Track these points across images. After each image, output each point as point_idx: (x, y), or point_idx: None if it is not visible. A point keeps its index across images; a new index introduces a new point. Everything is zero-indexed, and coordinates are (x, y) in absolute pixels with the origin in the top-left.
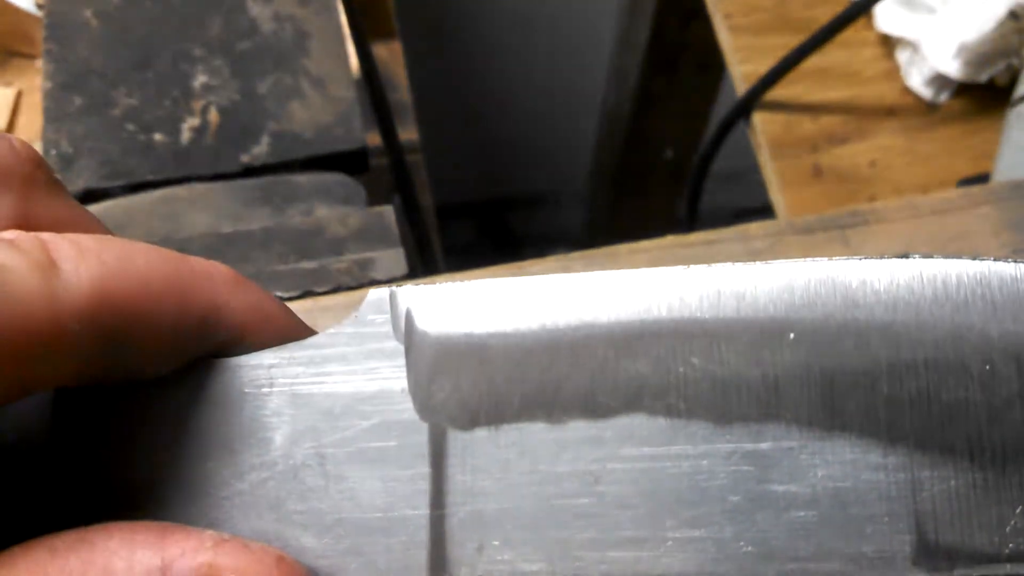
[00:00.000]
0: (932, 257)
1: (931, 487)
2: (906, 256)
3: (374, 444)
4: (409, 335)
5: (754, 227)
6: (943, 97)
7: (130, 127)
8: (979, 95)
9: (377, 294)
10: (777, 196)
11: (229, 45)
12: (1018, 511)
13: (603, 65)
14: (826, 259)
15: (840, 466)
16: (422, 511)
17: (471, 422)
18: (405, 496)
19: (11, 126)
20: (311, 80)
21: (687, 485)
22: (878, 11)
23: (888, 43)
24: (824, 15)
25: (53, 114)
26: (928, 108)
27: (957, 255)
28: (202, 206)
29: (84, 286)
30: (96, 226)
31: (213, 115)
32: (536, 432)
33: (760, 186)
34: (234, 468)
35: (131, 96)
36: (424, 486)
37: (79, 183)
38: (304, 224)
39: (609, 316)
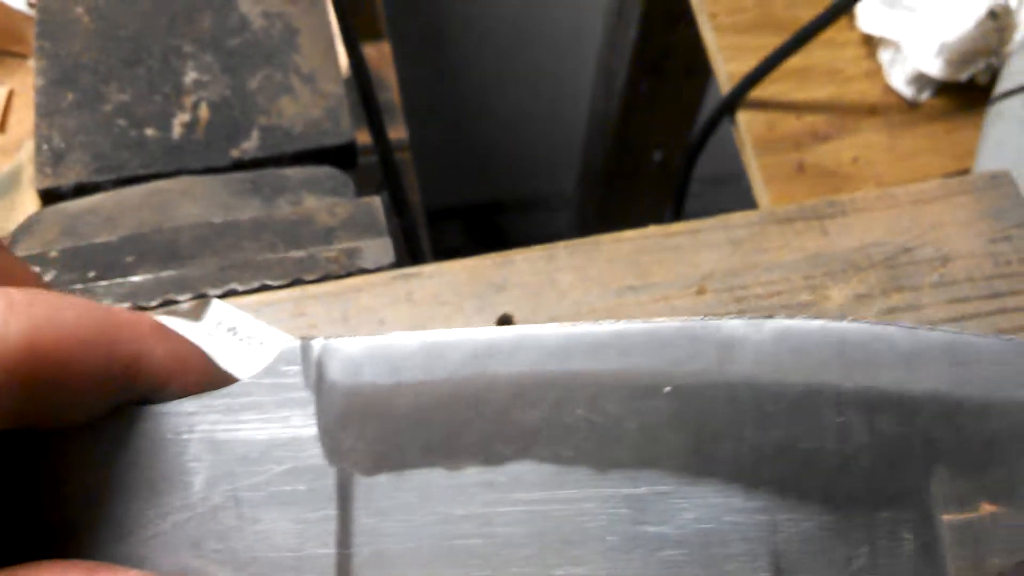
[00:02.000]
0: (795, 318)
1: (787, 529)
2: (771, 317)
3: (286, 488)
4: (319, 385)
5: (735, 217)
6: (924, 96)
7: (121, 122)
8: (960, 94)
9: (290, 346)
10: (761, 193)
11: (219, 41)
12: (863, 550)
13: (591, 67)
14: (700, 318)
15: (707, 509)
16: (330, 550)
17: (376, 468)
18: (314, 536)
19: (2, 125)
20: (301, 76)
21: (570, 527)
22: (860, 11)
23: (870, 43)
24: (807, 15)
25: (45, 109)
26: (910, 107)
27: (815, 316)
28: (192, 197)
29: (13, 339)
30: (31, 278)
31: (203, 110)
32: (436, 477)
33: (749, 190)
34: (157, 509)
35: (122, 92)
36: (332, 527)
37: (70, 177)
38: (293, 214)
39: (506, 369)
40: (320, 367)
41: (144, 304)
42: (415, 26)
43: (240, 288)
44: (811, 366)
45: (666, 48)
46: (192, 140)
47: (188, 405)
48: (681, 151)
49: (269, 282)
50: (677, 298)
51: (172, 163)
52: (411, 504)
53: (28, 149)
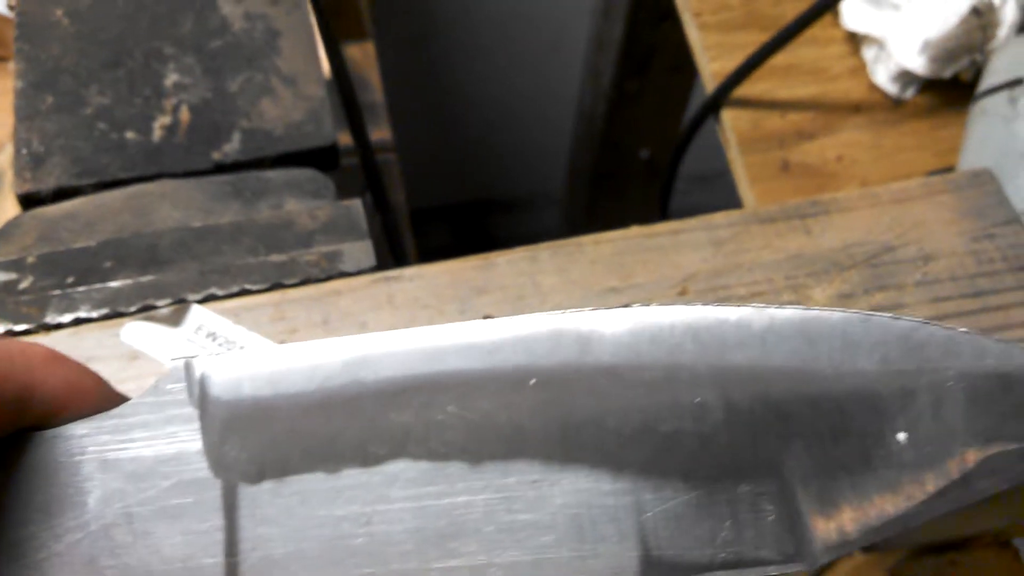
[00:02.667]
0: (650, 304)
1: (654, 508)
2: (628, 306)
3: (174, 501)
4: (202, 402)
5: (718, 217)
6: (909, 93)
7: (102, 125)
8: (944, 91)
9: (174, 365)
10: (746, 191)
11: (200, 43)
12: (727, 524)
13: (577, 66)
14: (561, 311)
15: (576, 494)
16: (218, 559)
17: (258, 476)
18: (203, 547)
19: None
20: (282, 78)
21: (447, 520)
22: (844, 8)
23: (854, 40)
24: (792, 12)
25: (24, 113)
26: (894, 104)
27: (672, 302)
28: (172, 201)
29: None
30: None
31: (184, 113)
32: (316, 481)
33: (735, 186)
34: (52, 531)
35: (103, 95)
36: (219, 536)
37: (50, 181)
38: (273, 218)
39: (376, 374)
40: (203, 384)
41: (123, 310)
42: (401, 26)
43: (220, 293)
44: (667, 351)
45: (652, 46)
46: (173, 143)
47: (79, 428)
48: (668, 149)
49: (249, 286)
50: (660, 299)
51: (153, 166)
52: (293, 509)
53: (8, 153)
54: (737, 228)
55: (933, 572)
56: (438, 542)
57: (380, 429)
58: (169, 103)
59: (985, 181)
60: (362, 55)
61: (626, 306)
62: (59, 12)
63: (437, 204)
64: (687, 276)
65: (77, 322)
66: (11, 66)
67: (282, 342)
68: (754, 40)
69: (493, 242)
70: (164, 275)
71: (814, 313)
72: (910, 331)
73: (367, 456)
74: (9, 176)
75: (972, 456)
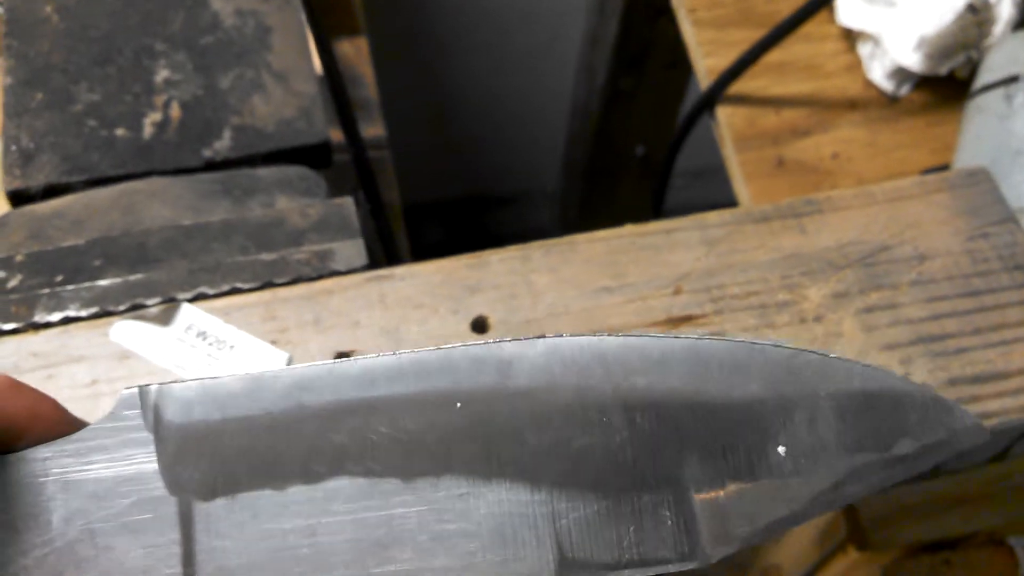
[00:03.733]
0: (562, 336)
1: (568, 516)
2: (543, 336)
3: (134, 518)
4: (156, 426)
5: (712, 216)
6: (904, 90)
7: (91, 122)
8: (940, 88)
9: (129, 392)
10: (741, 188)
11: (191, 40)
12: (631, 530)
13: (572, 62)
14: (482, 341)
15: (498, 505)
16: (176, 570)
17: (211, 494)
18: (162, 559)
19: None
20: (273, 74)
21: (384, 530)
22: (839, 5)
23: (849, 37)
24: (786, 9)
25: (14, 110)
26: (889, 101)
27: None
28: (162, 199)
29: None
30: None
31: (175, 110)
32: (264, 497)
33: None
34: (18, 547)
35: (93, 91)
36: (177, 550)
37: (40, 179)
38: (264, 216)
39: (317, 399)
40: (157, 410)
41: (112, 308)
42: (395, 21)
43: (210, 291)
44: (577, 375)
45: (647, 43)
46: (163, 140)
47: (42, 451)
48: (663, 145)
49: (239, 285)
50: (653, 298)
51: (143, 164)
52: (244, 523)
53: None
54: (731, 227)
55: (928, 570)
56: (376, 551)
57: (321, 449)
58: (160, 100)
59: (980, 179)
60: (355, 51)
61: (541, 336)
62: (48, 9)
63: (432, 200)
64: (680, 275)
65: (66, 321)
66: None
67: (273, 342)
68: (749, 37)
69: (488, 238)
70: (154, 274)
71: (705, 342)
72: (790, 357)
73: (310, 474)
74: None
75: (841, 465)
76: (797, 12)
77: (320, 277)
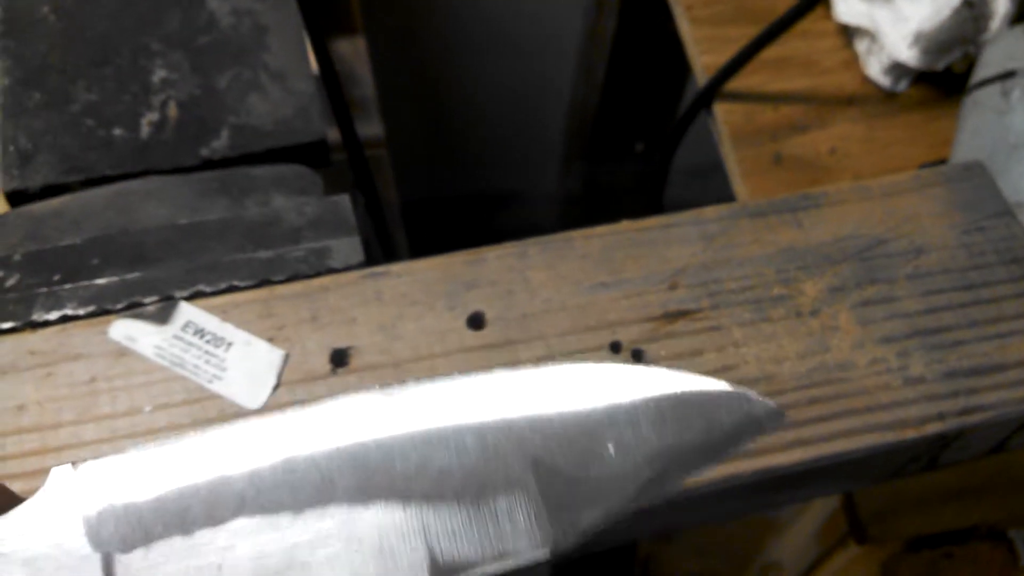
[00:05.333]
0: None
1: (436, 527)
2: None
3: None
4: (84, 499)
5: (709, 211)
6: (902, 85)
7: (89, 122)
8: (937, 83)
9: (60, 470)
10: (739, 185)
11: (188, 40)
12: (492, 533)
13: (571, 59)
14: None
15: (379, 526)
16: None
17: (130, 548)
18: None
19: None
20: (270, 74)
21: (280, 558)
22: (836, 1)
23: (846, 33)
24: (783, 5)
25: (11, 110)
26: (887, 96)
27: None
28: (159, 199)
29: None
30: None
31: (172, 109)
32: (175, 543)
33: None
34: None
35: (90, 91)
36: None
37: (38, 179)
38: (261, 214)
39: (206, 476)
40: (85, 486)
41: (110, 307)
42: (392, 20)
43: (207, 289)
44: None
45: (645, 41)
46: (161, 140)
47: None
48: (661, 141)
49: (237, 283)
50: (650, 294)
51: (141, 163)
52: (159, 565)
53: None
54: (727, 222)
55: (928, 564)
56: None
57: (217, 498)
58: (157, 100)
59: (977, 174)
60: (352, 50)
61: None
62: (45, 9)
63: (429, 197)
64: (677, 271)
65: (64, 319)
66: None
67: (270, 339)
68: (746, 33)
69: (486, 235)
70: (151, 272)
71: (546, 368)
72: (615, 371)
73: (214, 518)
74: None
75: (662, 456)
76: (793, 8)
77: (317, 274)
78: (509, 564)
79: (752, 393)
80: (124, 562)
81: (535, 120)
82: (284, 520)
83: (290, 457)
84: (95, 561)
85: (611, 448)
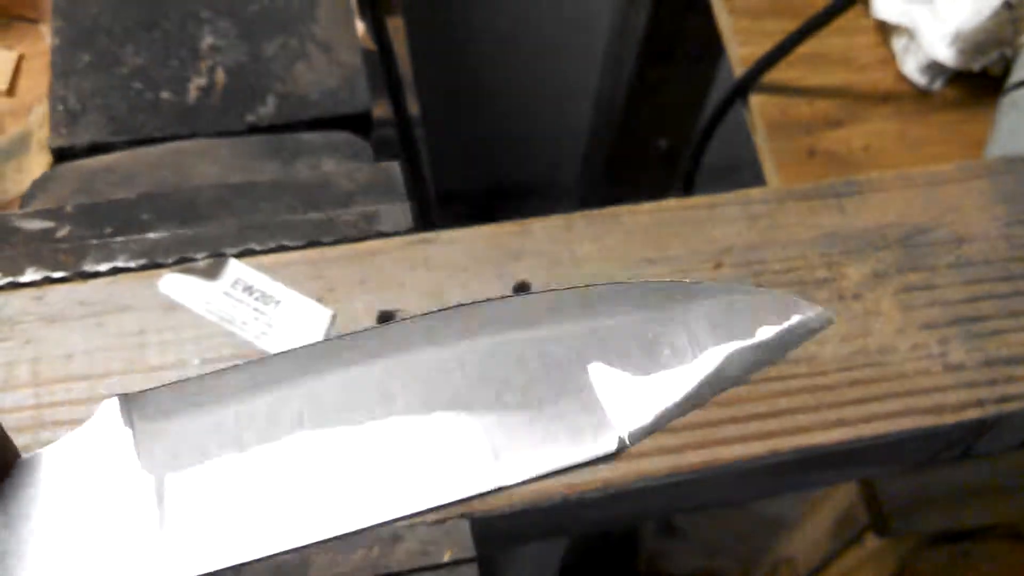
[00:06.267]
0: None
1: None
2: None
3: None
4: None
5: (754, 192)
6: (937, 85)
7: (137, 85)
8: (973, 84)
9: (109, 403)
10: (772, 176)
11: (236, 8)
12: (556, 429)
13: (599, 52)
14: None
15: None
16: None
17: (183, 468)
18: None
19: (12, 89)
20: (318, 45)
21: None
22: None
23: (884, 30)
24: (822, 1)
25: (60, 70)
26: (922, 95)
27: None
28: (210, 158)
29: None
30: None
31: (220, 75)
32: (232, 459)
33: (755, 180)
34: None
35: (138, 55)
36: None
37: (85, 138)
38: (312, 177)
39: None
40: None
41: (161, 261)
42: (425, 6)
43: (258, 248)
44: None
45: (675, 35)
46: (208, 104)
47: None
48: (686, 141)
49: (287, 243)
50: (695, 271)
51: (187, 127)
52: (210, 482)
53: (38, 114)
54: (772, 204)
55: (946, 561)
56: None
57: (280, 416)
58: (204, 65)
59: (1020, 168)
60: (392, 29)
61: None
62: None
63: (450, 189)
64: (722, 250)
65: (115, 271)
66: (42, 28)
67: (319, 299)
68: (784, 27)
69: None
70: (202, 229)
71: (591, 288)
72: (664, 285)
73: (271, 437)
74: (39, 136)
75: (716, 353)
76: (832, 4)
77: (366, 238)
78: (578, 458)
79: (797, 297)
80: (175, 480)
81: (559, 114)
82: (343, 434)
83: (347, 375)
84: (148, 482)
85: (667, 350)
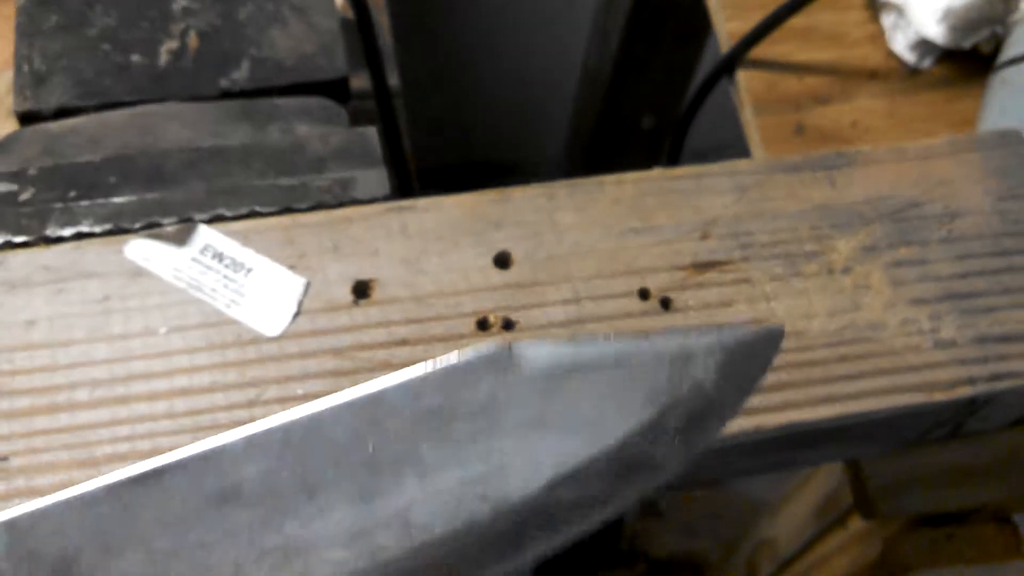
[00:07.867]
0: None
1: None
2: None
3: None
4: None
5: (742, 163)
6: (927, 62)
7: (106, 47)
8: (963, 62)
9: None
10: (759, 153)
11: None
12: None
13: (586, 26)
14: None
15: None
16: None
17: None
18: None
19: None
20: (293, 8)
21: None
22: None
23: (873, 6)
24: None
25: (26, 30)
26: (911, 73)
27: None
28: (180, 122)
29: None
30: None
31: (192, 38)
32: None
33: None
34: None
35: (108, 16)
36: None
37: (51, 101)
38: (284, 141)
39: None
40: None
41: (127, 226)
42: None
43: (228, 214)
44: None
45: (662, 11)
46: (179, 68)
47: None
48: (671, 121)
49: (259, 208)
50: (681, 242)
51: (158, 91)
52: None
53: (7, 79)
54: (761, 176)
55: (929, 544)
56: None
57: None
58: (176, 28)
59: (1012, 141)
60: None
61: None
62: None
63: (432, 164)
64: (709, 221)
65: (79, 236)
66: None
67: (291, 267)
68: (772, 2)
69: None
70: (170, 193)
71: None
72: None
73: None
74: (8, 102)
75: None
76: None
77: (341, 205)
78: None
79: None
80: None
81: (544, 90)
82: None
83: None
84: None
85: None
